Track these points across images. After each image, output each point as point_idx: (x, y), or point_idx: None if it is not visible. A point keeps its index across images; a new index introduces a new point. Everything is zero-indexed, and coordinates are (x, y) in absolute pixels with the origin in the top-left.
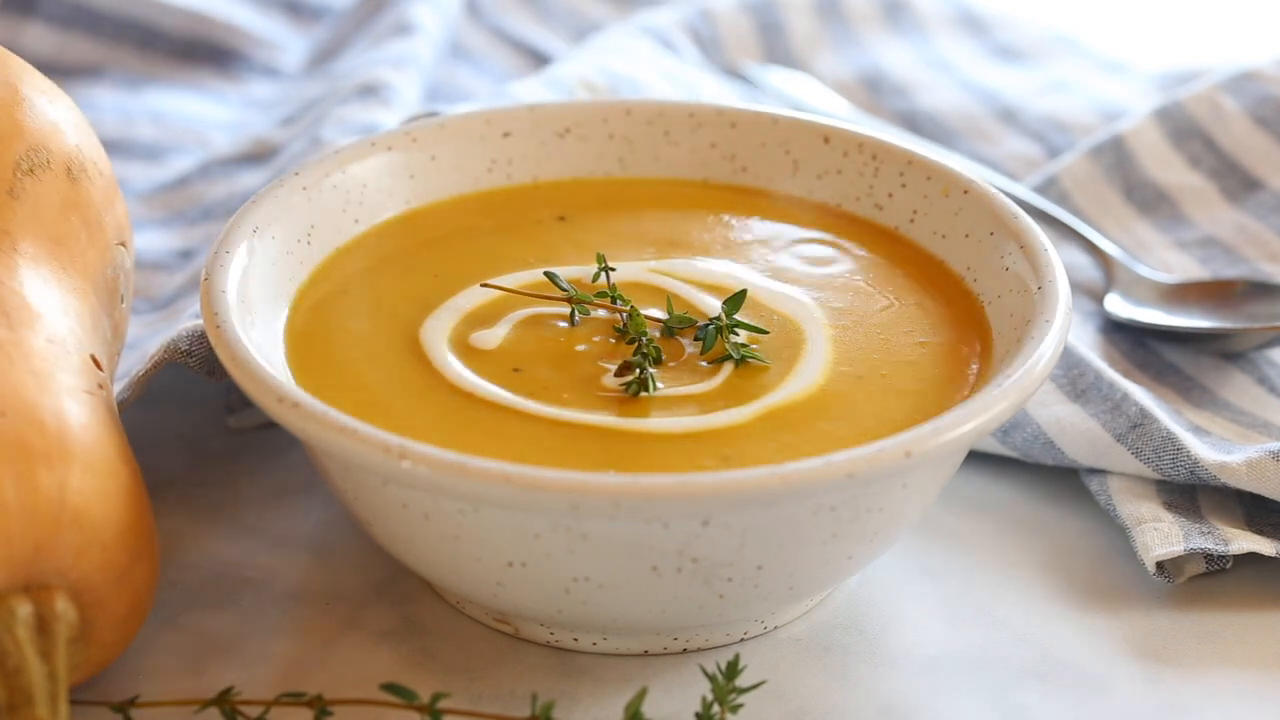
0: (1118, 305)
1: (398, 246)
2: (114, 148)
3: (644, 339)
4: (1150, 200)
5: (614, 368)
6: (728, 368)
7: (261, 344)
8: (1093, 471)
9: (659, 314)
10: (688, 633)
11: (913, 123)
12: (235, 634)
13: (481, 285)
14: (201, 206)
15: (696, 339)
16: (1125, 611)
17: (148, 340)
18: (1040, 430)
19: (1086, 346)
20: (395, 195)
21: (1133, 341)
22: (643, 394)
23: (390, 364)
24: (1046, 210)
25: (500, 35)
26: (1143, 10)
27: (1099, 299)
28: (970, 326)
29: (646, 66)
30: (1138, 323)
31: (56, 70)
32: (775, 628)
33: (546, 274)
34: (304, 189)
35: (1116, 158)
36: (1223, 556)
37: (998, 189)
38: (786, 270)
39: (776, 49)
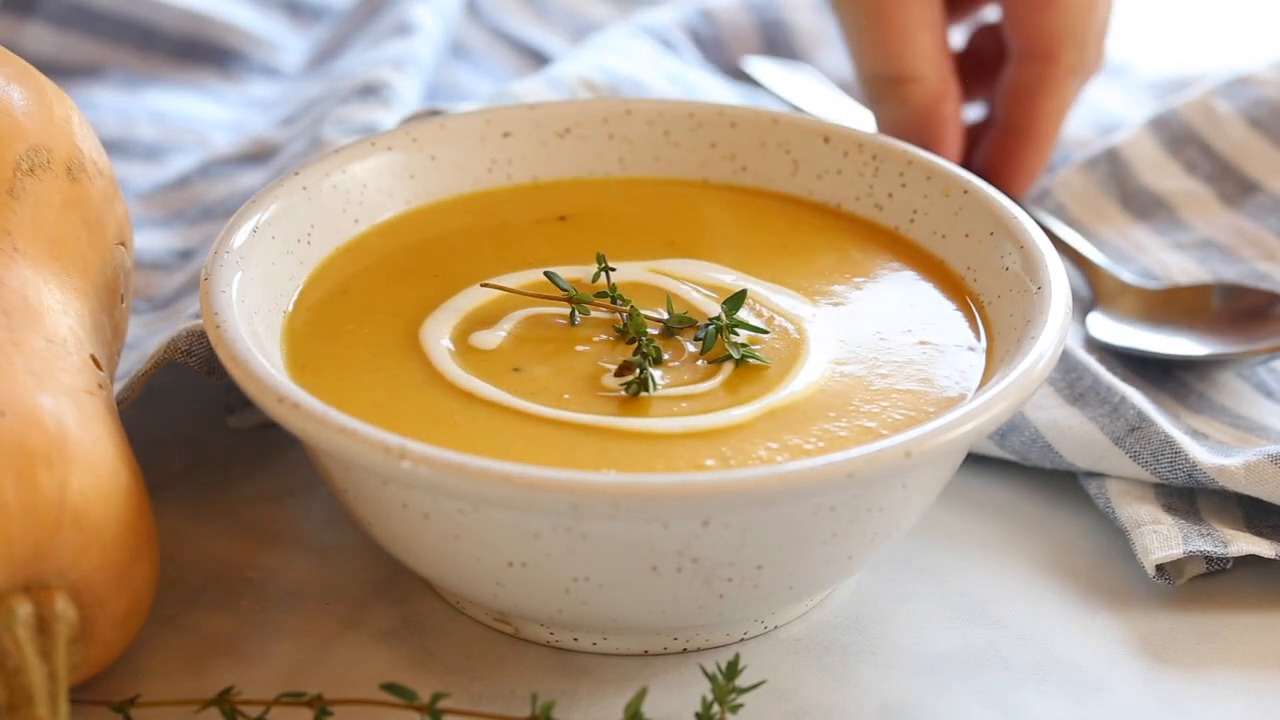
0: (1100, 327)
1: (398, 246)
2: (114, 148)
3: (644, 339)
4: (1148, 207)
5: (614, 368)
6: (728, 368)
7: (261, 344)
8: (1091, 474)
9: (659, 314)
10: (688, 633)
11: None
12: (235, 634)
13: (481, 285)
14: (201, 206)
15: (696, 339)
16: (1125, 611)
17: (148, 340)
18: (1038, 433)
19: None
20: (395, 195)
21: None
22: (643, 394)
23: (390, 364)
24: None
25: (500, 35)
26: (1138, 16)
27: (1084, 310)
28: (970, 326)
29: (647, 66)
30: (1116, 347)
31: (56, 70)
32: (775, 628)
33: (546, 274)
34: (304, 189)
35: (1112, 169)
36: (1222, 558)
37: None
38: (786, 270)
39: (778, 45)
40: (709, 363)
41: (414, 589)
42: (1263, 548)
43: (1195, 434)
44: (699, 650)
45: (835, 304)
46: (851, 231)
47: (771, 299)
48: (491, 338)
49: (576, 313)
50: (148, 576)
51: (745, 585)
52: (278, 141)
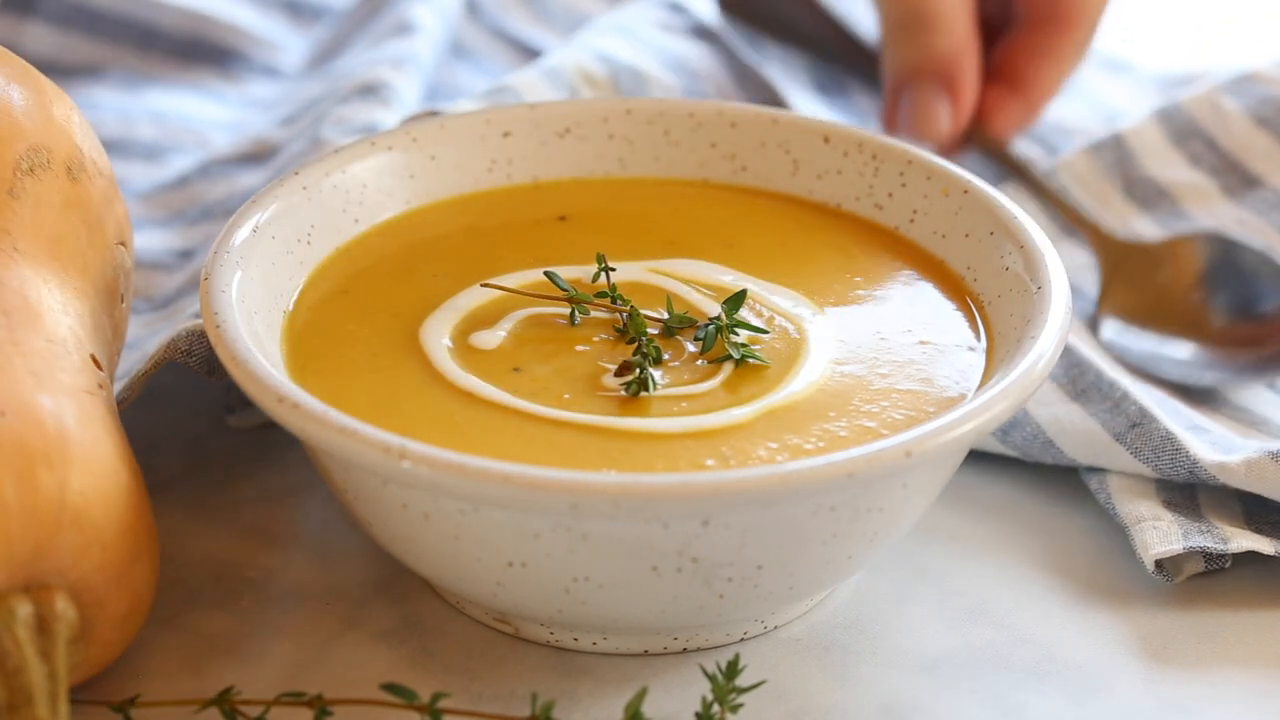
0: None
1: (398, 246)
2: (114, 148)
3: (644, 339)
4: (1150, 195)
5: (614, 368)
6: (728, 368)
7: (261, 344)
8: (1092, 470)
9: (659, 314)
10: (688, 633)
11: None
12: (235, 634)
13: (481, 285)
14: (201, 206)
15: (696, 339)
16: (1125, 610)
17: (148, 340)
18: (1040, 429)
19: (1084, 342)
20: (395, 195)
21: None
22: (643, 394)
23: (390, 364)
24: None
25: (500, 35)
26: (1144, 12)
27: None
28: (970, 326)
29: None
30: (1130, 363)
31: (56, 70)
32: (775, 628)
33: (546, 274)
34: (304, 189)
35: (1117, 155)
36: (1222, 555)
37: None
38: (786, 270)
39: None
40: (709, 363)
41: (414, 589)
42: (1263, 544)
43: (1197, 428)
44: (699, 650)
45: (835, 304)
46: (851, 231)
47: (771, 299)
48: (491, 338)
49: (576, 313)
50: (148, 576)
51: (745, 585)
52: (278, 141)
